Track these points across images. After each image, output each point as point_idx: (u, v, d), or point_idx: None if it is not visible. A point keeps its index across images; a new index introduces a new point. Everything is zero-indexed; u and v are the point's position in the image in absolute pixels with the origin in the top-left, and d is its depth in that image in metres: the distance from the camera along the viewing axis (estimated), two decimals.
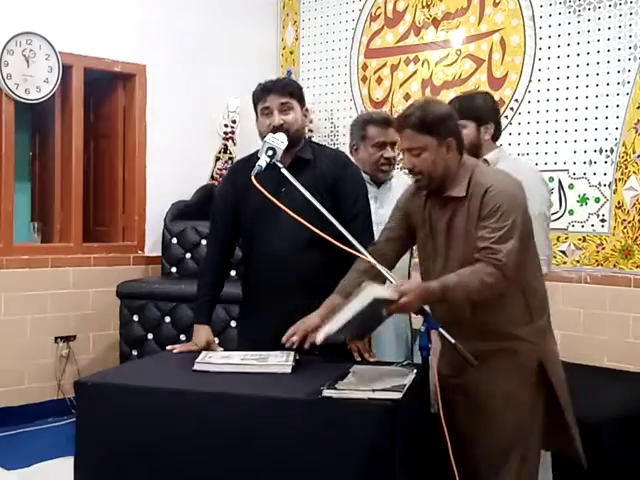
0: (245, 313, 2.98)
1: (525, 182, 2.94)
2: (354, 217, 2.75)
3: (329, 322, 2.23)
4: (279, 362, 2.40)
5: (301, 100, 2.84)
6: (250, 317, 2.91)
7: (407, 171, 2.46)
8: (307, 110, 2.89)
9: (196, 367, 2.39)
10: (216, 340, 2.88)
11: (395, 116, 2.91)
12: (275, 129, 2.73)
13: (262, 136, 2.76)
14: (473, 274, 2.27)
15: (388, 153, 3.17)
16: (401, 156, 2.50)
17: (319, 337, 2.20)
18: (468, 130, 3.04)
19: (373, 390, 2.10)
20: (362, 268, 2.50)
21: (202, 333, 2.79)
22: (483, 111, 3.08)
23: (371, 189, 3.16)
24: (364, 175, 3.17)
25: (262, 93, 2.81)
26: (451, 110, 2.46)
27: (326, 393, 2.09)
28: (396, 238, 2.59)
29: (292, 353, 2.46)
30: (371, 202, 3.10)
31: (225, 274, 2.96)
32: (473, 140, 3.04)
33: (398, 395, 2.08)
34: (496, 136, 3.13)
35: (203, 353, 2.55)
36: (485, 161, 3.06)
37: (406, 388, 2.14)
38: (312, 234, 2.50)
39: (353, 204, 2.79)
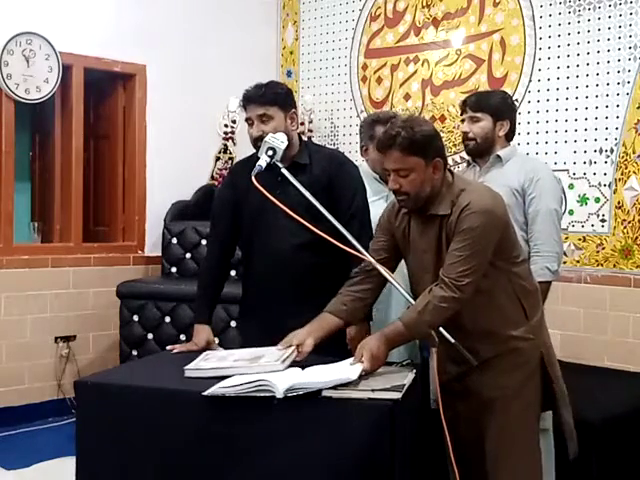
0: (244, 312, 2.99)
1: (539, 181, 3.01)
2: (351, 217, 2.75)
3: (307, 377, 2.18)
4: (271, 361, 2.33)
5: (284, 105, 2.80)
6: (249, 316, 2.92)
7: (392, 192, 2.41)
8: (295, 113, 2.85)
9: (187, 374, 2.35)
10: (216, 340, 2.89)
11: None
12: (256, 140, 2.75)
13: (252, 145, 2.79)
14: (430, 306, 2.27)
15: None
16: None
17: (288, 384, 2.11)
18: (484, 123, 3.08)
19: (373, 390, 2.10)
20: (349, 290, 2.51)
21: (202, 333, 2.79)
22: (501, 107, 3.12)
23: (381, 188, 3.17)
24: (373, 174, 3.18)
25: (244, 103, 2.83)
26: (435, 129, 2.42)
27: (326, 393, 2.09)
28: (379, 261, 2.48)
29: (291, 349, 2.41)
30: (381, 201, 3.11)
31: (225, 274, 2.96)
32: (488, 134, 3.08)
33: (398, 395, 2.08)
34: (510, 135, 3.15)
35: (202, 355, 2.52)
36: (498, 157, 3.09)
37: (406, 388, 2.14)
38: (309, 235, 2.51)
39: (349, 204, 2.78)
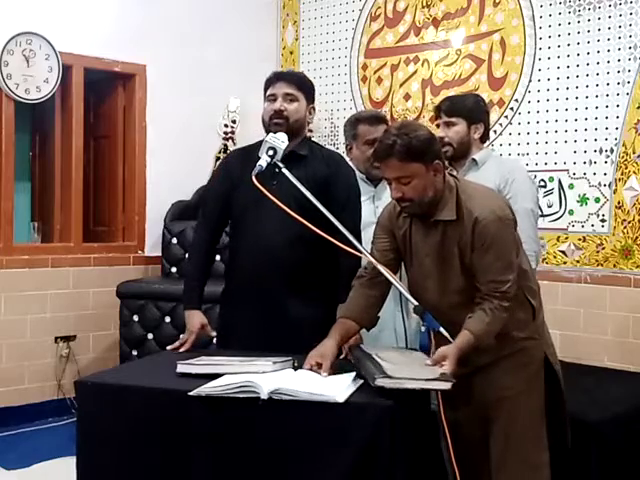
0: (226, 303, 2.96)
1: (514, 181, 3.05)
2: (341, 221, 2.66)
3: (295, 383, 2.15)
4: (263, 362, 2.33)
5: (309, 96, 2.86)
6: (231, 307, 2.91)
7: (395, 201, 2.39)
8: (313, 108, 2.91)
9: (179, 369, 2.35)
10: (213, 333, 2.89)
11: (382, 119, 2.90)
12: (276, 114, 2.76)
13: (265, 123, 2.81)
14: (495, 316, 2.28)
15: None
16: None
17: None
18: (459, 127, 3.12)
19: (427, 380, 2.09)
20: (366, 293, 2.48)
21: (195, 317, 2.81)
22: (474, 110, 3.15)
23: (368, 188, 3.17)
24: (359, 174, 3.18)
25: (272, 80, 2.85)
26: (431, 132, 2.40)
27: (379, 382, 2.07)
28: (386, 263, 2.46)
29: (290, 360, 2.40)
30: (368, 202, 3.11)
31: (213, 260, 2.99)
32: (463, 138, 3.11)
33: (449, 385, 2.08)
34: (484, 137, 3.19)
35: (198, 358, 2.51)
36: (473, 160, 3.12)
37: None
38: (301, 231, 2.52)
39: (341, 208, 2.75)
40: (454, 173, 2.84)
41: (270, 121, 2.78)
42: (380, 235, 2.54)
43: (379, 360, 2.23)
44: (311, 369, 2.29)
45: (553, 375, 2.52)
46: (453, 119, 3.10)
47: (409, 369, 2.18)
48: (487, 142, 3.26)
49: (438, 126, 3.16)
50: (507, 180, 3.03)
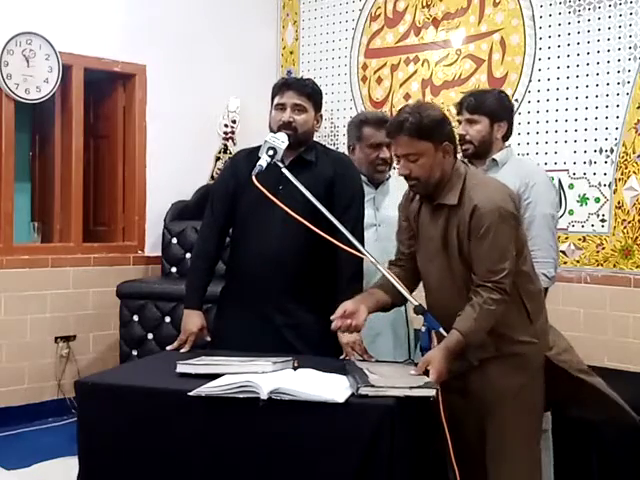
0: (225, 303, 2.95)
1: (535, 186, 2.98)
2: (343, 222, 2.65)
3: (295, 383, 2.16)
4: (263, 362, 2.33)
5: (317, 105, 2.86)
6: (229, 308, 2.90)
7: (403, 178, 2.41)
8: (321, 116, 2.91)
9: (179, 369, 2.36)
10: (208, 339, 2.88)
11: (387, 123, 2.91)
12: (284, 125, 2.75)
13: (272, 131, 2.79)
14: (483, 311, 2.27)
15: (384, 153, 3.14)
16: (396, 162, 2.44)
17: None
18: (481, 126, 3.02)
19: (410, 387, 2.09)
20: (397, 274, 2.47)
21: (195, 318, 2.80)
22: (498, 108, 3.06)
23: (369, 190, 3.15)
24: (362, 176, 3.17)
25: (281, 88, 2.83)
26: (444, 114, 2.40)
27: (363, 391, 2.07)
28: (410, 251, 2.51)
29: (290, 360, 2.41)
30: (369, 204, 3.08)
31: (217, 261, 2.96)
32: (485, 136, 3.03)
33: (432, 392, 2.08)
34: (507, 135, 3.10)
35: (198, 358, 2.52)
36: (494, 160, 3.05)
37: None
38: (305, 236, 2.51)
39: (344, 209, 2.75)
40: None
41: (278, 131, 2.76)
42: (401, 223, 2.57)
43: (367, 372, 2.24)
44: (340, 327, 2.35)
45: (562, 373, 2.51)
46: (475, 117, 3.02)
47: (394, 379, 2.18)
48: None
49: (459, 122, 3.08)
50: (527, 184, 2.96)
